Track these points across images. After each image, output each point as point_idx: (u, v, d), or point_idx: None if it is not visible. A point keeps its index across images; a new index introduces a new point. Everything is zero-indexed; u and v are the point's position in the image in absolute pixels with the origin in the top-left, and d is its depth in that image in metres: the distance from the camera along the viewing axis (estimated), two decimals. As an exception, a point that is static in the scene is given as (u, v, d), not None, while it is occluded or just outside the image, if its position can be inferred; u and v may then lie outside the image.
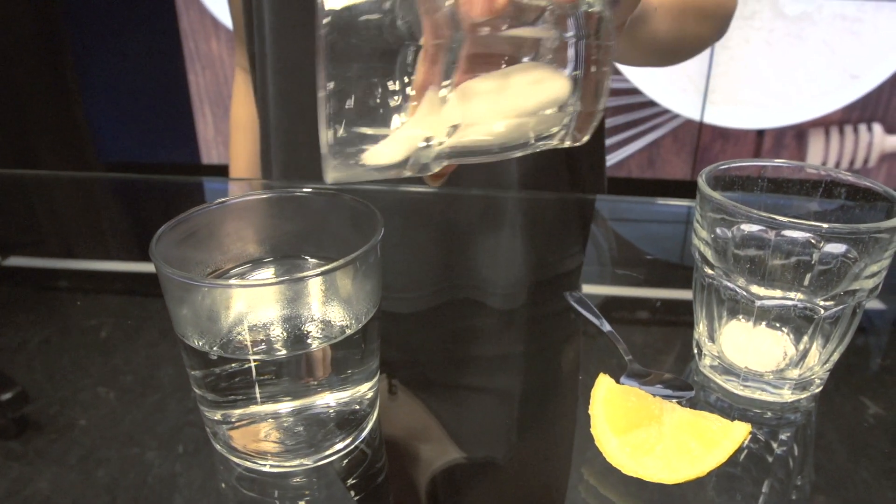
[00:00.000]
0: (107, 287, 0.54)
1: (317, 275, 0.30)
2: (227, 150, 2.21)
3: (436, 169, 0.30)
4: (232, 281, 0.32)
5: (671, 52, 0.61)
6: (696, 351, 0.43)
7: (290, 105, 0.68)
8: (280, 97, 0.68)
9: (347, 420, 0.35)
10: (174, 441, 0.36)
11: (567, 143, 0.30)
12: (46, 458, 0.35)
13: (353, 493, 0.34)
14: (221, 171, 2.19)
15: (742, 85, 1.94)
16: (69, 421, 0.37)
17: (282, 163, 0.70)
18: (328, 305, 0.33)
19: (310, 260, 0.38)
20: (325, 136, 0.26)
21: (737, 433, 0.33)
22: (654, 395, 0.36)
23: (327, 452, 0.34)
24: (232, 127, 0.83)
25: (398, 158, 0.28)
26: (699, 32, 0.60)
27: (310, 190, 0.37)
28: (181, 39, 2.02)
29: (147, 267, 0.59)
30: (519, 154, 0.30)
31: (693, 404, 0.38)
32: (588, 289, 0.53)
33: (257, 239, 0.38)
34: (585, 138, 0.30)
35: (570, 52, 0.27)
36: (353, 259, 0.30)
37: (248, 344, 0.32)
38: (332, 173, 0.28)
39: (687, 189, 2.11)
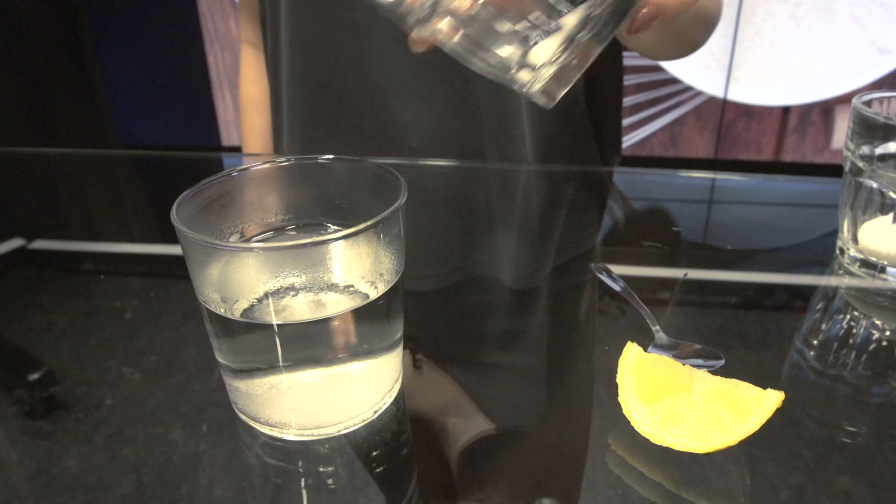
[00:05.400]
0: (130, 269, 0.55)
1: (339, 238, 0.29)
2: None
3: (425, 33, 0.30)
4: (254, 244, 0.32)
5: (665, 52, 0.65)
6: (838, 252, 0.52)
7: (305, 81, 0.67)
8: (295, 74, 0.67)
9: (371, 389, 0.35)
10: (199, 420, 0.36)
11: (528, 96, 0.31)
12: (74, 437, 0.35)
13: (376, 463, 0.33)
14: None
15: (767, 61, 1.89)
16: (96, 401, 0.38)
17: (299, 140, 0.70)
18: (351, 271, 0.33)
19: (332, 227, 0.38)
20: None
21: (770, 401, 0.32)
22: (684, 364, 0.36)
23: (351, 422, 0.34)
24: (243, 105, 0.81)
25: None
26: (695, 38, 0.63)
27: (332, 157, 0.37)
28: (200, 21, 2.03)
29: (169, 248, 0.59)
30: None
31: (725, 373, 0.37)
32: (610, 262, 0.52)
33: (279, 206, 0.38)
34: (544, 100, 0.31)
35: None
36: (375, 223, 0.30)
37: (271, 309, 0.32)
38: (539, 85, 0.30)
39: (710, 167, 2.07)
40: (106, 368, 0.40)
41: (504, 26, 0.29)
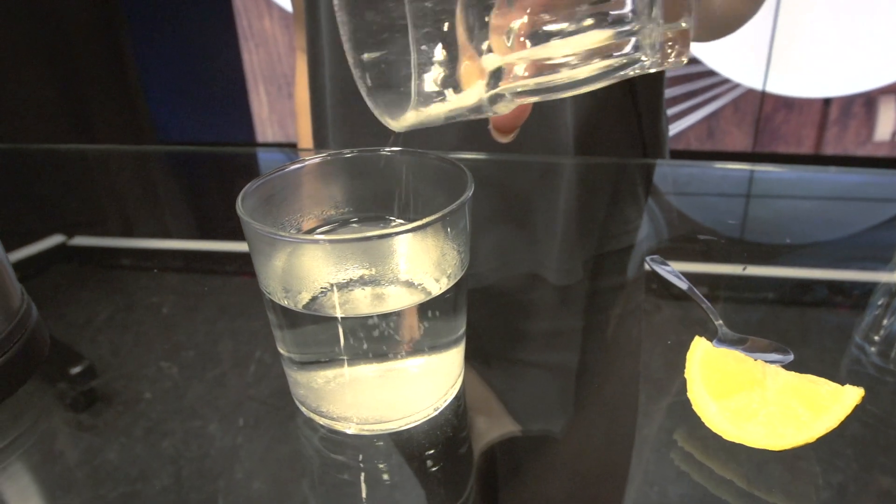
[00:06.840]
0: (168, 264, 0.55)
1: (405, 231, 0.28)
2: (282, 129, 2.22)
3: (506, 110, 0.28)
4: (319, 236, 0.31)
5: (714, 29, 0.60)
6: None
7: (346, 81, 0.66)
8: (336, 75, 0.66)
9: (433, 386, 0.34)
10: (236, 414, 0.36)
11: (664, 65, 0.26)
12: (114, 430, 0.35)
13: (434, 460, 0.32)
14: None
15: (807, 51, 1.84)
16: (135, 394, 0.37)
17: (340, 142, 0.69)
18: (416, 265, 0.32)
19: (395, 220, 0.37)
20: (414, 83, 0.25)
21: (849, 398, 0.30)
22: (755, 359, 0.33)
23: (412, 417, 0.33)
24: (298, 110, 0.83)
25: (470, 101, 0.26)
26: (742, 11, 0.58)
27: (396, 149, 0.36)
28: (235, 18, 2.04)
29: (205, 245, 0.59)
30: (602, 85, 0.27)
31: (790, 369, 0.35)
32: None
33: (341, 199, 0.37)
34: (682, 59, 0.26)
35: None
36: (443, 216, 0.29)
37: (335, 302, 0.31)
38: (405, 121, 0.26)
39: (748, 161, 2.02)
40: (144, 363, 0.40)
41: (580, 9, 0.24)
